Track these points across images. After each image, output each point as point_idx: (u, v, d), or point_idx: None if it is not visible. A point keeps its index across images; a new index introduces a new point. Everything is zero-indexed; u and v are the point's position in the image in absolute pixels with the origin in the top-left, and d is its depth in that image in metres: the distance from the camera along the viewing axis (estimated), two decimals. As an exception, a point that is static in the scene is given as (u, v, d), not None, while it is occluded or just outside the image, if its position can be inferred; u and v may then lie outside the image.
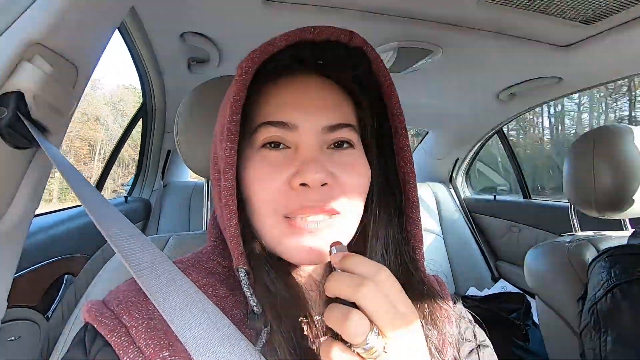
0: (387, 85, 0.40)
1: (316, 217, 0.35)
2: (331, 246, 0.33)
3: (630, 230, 0.66)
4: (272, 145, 0.37)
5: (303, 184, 0.35)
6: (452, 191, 2.23)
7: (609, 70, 1.18)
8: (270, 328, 0.33)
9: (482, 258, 1.96)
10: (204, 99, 0.65)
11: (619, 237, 0.80)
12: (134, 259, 0.33)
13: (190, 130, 0.65)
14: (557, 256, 0.79)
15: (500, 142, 2.02)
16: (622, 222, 0.89)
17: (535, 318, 1.23)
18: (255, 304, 0.34)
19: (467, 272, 1.94)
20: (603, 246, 0.76)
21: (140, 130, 1.81)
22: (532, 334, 1.16)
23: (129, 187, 2.00)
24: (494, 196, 2.11)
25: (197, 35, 1.04)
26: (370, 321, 0.28)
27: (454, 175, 2.23)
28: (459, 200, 2.19)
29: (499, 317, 1.20)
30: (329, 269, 0.43)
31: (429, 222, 2.07)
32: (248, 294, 0.34)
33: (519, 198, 2.00)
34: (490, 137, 2.01)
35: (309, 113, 0.37)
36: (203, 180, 0.82)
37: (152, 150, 1.90)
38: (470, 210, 2.16)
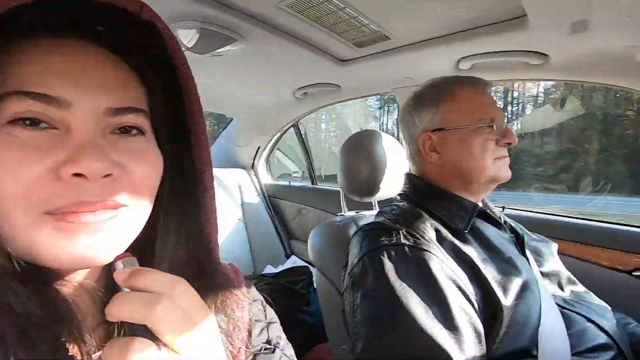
0: (183, 69, 0.36)
1: (96, 214, 0.29)
2: (115, 260, 0.29)
3: (377, 210, 0.90)
4: (28, 122, 0.28)
5: (77, 174, 0.28)
6: (254, 177, 2.36)
7: (374, 85, 1.52)
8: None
9: (277, 238, 2.19)
10: None
11: (371, 216, 1.06)
12: None
13: None
14: (330, 233, 0.98)
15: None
16: (373, 203, 1.18)
17: (315, 285, 1.49)
18: None
19: (264, 252, 2.12)
20: (361, 223, 0.99)
21: None
22: (312, 299, 1.40)
23: None
24: (289, 182, 2.37)
25: None
26: (160, 341, 0.26)
27: (255, 162, 2.36)
28: (259, 186, 2.34)
29: (288, 289, 1.39)
30: (107, 269, 0.37)
31: (231, 207, 2.12)
32: None
33: (308, 184, 2.33)
34: (288, 129, 2.24)
35: (89, 89, 0.30)
36: None
37: None
38: (269, 195, 2.35)
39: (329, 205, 1.95)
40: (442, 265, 0.62)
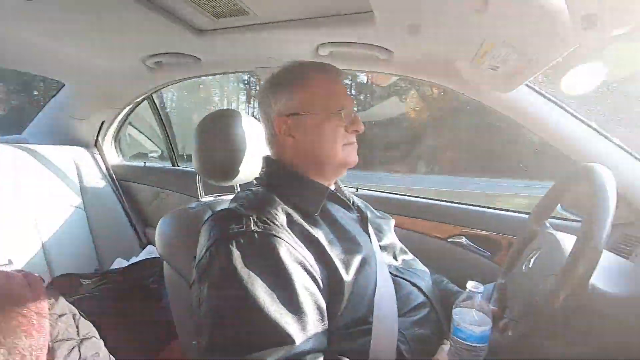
0: None
1: None
2: None
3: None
4: None
5: None
6: (98, 157, 1.99)
7: (237, 62, 1.43)
8: None
9: (130, 227, 1.91)
10: None
11: (229, 201, 1.00)
12: None
13: None
14: (183, 222, 0.89)
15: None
16: (235, 187, 1.12)
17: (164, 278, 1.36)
18: None
19: (113, 244, 1.82)
20: (217, 209, 0.93)
21: None
22: (165, 293, 1.28)
23: None
24: (144, 163, 2.09)
25: None
26: None
27: (100, 139, 1.99)
28: (105, 167, 1.99)
29: (138, 285, 1.24)
30: None
31: (65, 193, 1.74)
32: None
33: (167, 165, 2.10)
34: (141, 102, 1.95)
35: None
36: None
37: None
38: (118, 177, 2.02)
39: (192, 189, 1.79)
40: (291, 250, 0.63)
